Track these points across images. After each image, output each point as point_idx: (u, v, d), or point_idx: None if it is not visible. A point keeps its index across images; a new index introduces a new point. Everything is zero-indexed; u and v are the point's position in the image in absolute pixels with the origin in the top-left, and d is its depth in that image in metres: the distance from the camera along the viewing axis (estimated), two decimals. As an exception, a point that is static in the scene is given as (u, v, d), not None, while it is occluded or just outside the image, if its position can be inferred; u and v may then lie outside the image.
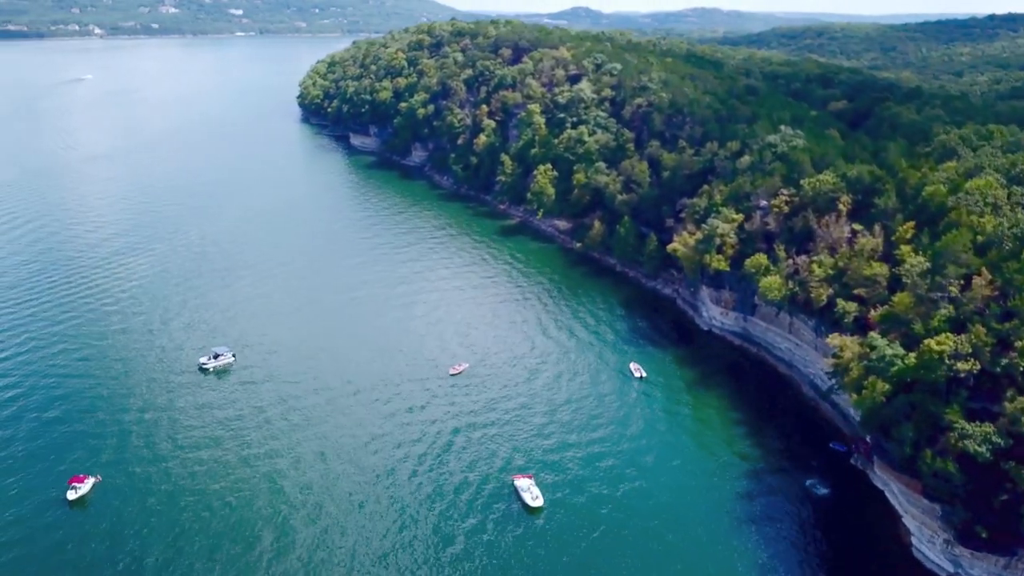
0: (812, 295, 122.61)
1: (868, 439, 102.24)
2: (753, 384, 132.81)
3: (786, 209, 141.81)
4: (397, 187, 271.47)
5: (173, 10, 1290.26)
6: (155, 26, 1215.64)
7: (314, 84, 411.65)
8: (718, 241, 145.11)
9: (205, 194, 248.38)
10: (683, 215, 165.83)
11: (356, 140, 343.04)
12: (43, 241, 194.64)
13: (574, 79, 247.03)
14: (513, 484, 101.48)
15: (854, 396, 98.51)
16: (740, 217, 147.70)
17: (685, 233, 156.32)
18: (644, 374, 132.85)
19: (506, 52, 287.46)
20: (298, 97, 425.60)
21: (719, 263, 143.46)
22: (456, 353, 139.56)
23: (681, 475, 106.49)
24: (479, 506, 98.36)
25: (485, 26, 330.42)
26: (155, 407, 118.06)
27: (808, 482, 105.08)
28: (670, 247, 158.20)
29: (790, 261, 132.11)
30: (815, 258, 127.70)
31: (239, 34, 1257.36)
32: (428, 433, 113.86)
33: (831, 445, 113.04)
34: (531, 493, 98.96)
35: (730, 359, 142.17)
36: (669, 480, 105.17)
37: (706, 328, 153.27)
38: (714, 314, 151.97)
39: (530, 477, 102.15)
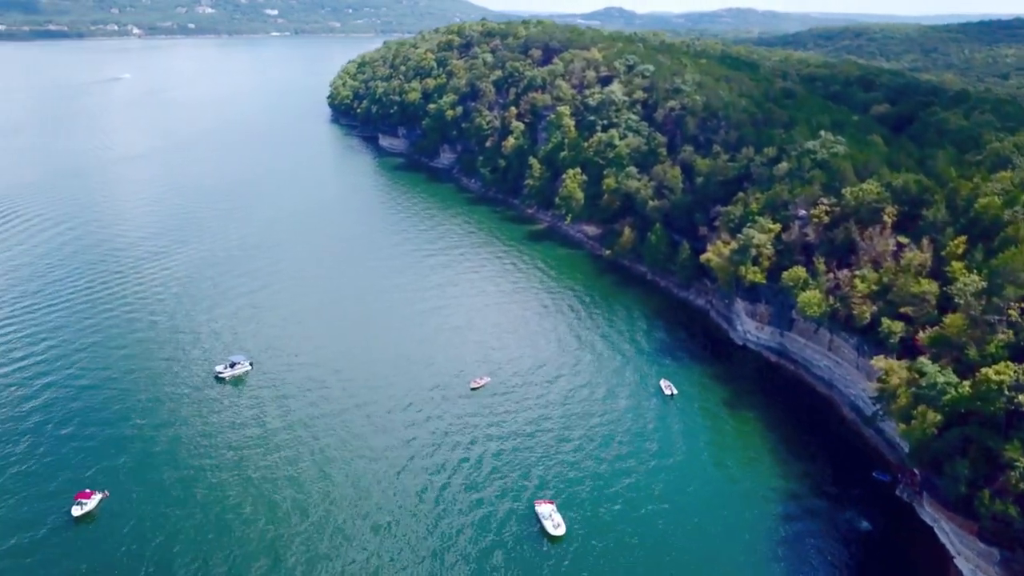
0: (854, 312, 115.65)
1: (916, 471, 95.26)
2: (790, 404, 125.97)
3: (826, 219, 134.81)
4: (424, 190, 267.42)
5: (210, 10, 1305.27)
6: (192, 26, 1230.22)
7: (344, 84, 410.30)
8: (754, 252, 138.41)
9: (234, 196, 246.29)
10: (717, 223, 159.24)
11: (385, 141, 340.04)
12: (71, 244, 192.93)
13: (605, 81, 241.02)
14: (534, 509, 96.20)
15: (902, 426, 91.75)
16: (777, 227, 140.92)
17: (719, 242, 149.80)
18: (675, 391, 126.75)
19: (536, 53, 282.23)
20: (328, 97, 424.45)
21: (755, 275, 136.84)
22: (478, 365, 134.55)
23: (713, 503, 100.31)
24: (497, 533, 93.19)
25: (515, 27, 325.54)
26: (167, 419, 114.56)
27: (848, 514, 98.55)
28: (703, 257, 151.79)
29: (830, 275, 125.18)
30: (857, 272, 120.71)
31: (274, 34, 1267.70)
32: (445, 452, 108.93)
33: (874, 474, 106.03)
34: (553, 520, 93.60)
35: (766, 376, 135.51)
36: (700, 508, 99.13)
37: (740, 342, 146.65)
38: (749, 328, 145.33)
39: (552, 503, 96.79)
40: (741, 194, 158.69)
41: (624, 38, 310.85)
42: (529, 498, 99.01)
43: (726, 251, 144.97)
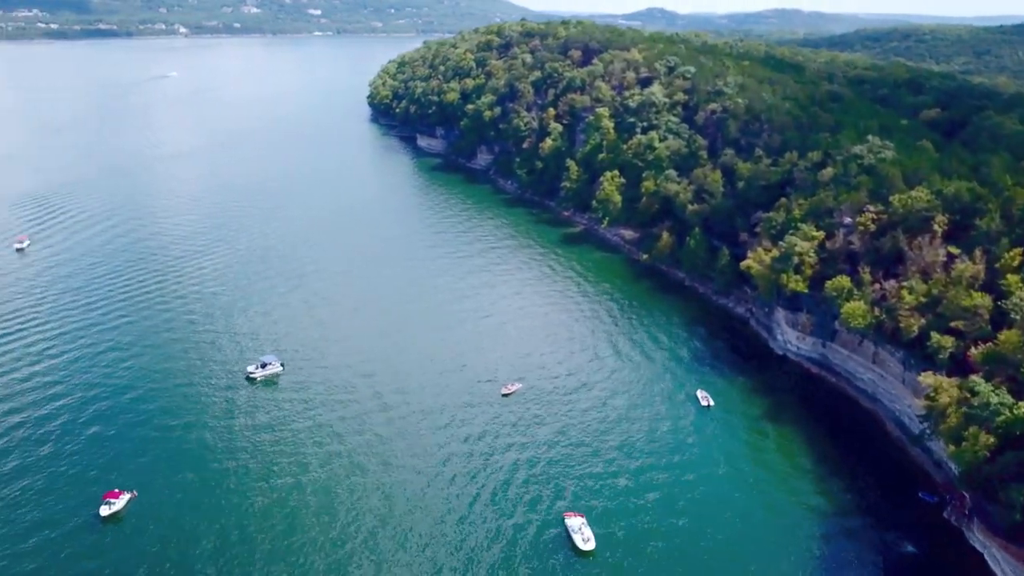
0: (901, 325, 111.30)
1: (966, 494, 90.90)
2: (832, 418, 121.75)
3: (873, 228, 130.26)
4: (461, 191, 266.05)
5: (255, 10, 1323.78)
6: (237, 25, 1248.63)
7: (384, 84, 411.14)
8: (796, 260, 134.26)
9: (273, 195, 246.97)
10: (758, 229, 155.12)
11: (423, 142, 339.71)
12: (113, 242, 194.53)
13: (645, 82, 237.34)
14: (564, 522, 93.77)
15: (951, 447, 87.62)
16: (821, 235, 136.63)
17: (760, 249, 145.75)
18: (711, 403, 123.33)
19: (576, 54, 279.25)
20: (368, 97, 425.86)
21: (797, 284, 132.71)
22: (510, 371, 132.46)
23: (749, 520, 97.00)
24: (525, 545, 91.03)
25: (555, 27, 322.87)
26: (197, 420, 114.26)
27: (892, 535, 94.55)
28: (743, 264, 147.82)
29: (876, 285, 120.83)
30: (905, 283, 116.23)
31: (317, 34, 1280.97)
32: (474, 460, 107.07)
33: (920, 495, 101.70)
34: (582, 534, 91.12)
35: (806, 388, 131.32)
36: (735, 525, 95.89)
37: (780, 352, 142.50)
38: (790, 338, 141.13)
39: (582, 516, 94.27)
40: (783, 200, 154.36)
41: (665, 39, 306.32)
42: (558, 509, 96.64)
43: (767, 258, 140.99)
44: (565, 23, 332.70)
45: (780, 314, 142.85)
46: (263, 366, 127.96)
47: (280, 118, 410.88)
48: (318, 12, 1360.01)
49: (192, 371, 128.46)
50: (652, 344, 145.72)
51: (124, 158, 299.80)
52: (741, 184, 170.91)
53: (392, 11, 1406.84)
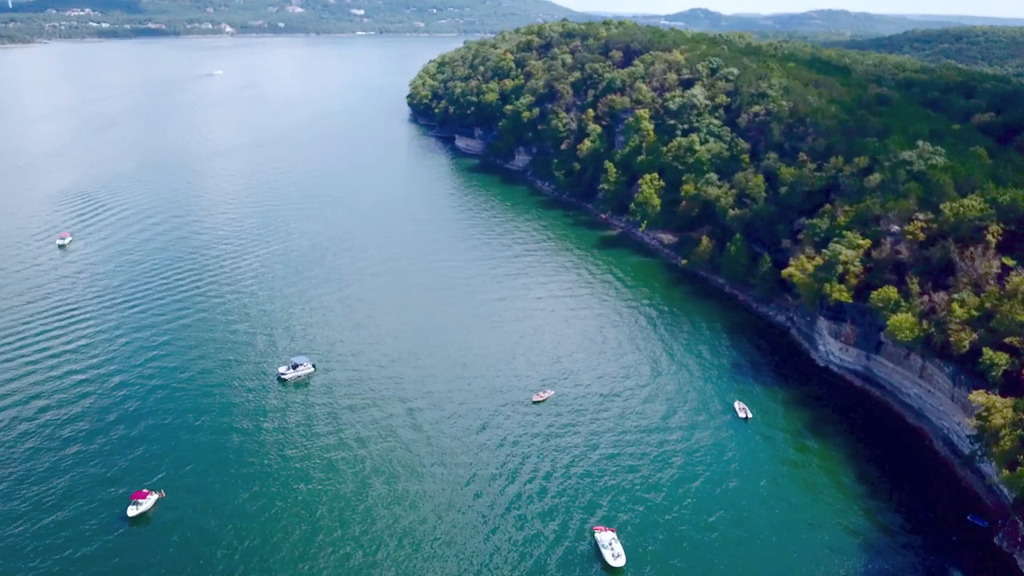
0: (951, 339, 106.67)
1: (1020, 521, 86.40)
2: (875, 434, 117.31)
3: (922, 237, 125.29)
4: (498, 192, 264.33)
5: (299, 10, 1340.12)
6: (281, 25, 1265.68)
7: (423, 84, 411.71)
8: (840, 269, 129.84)
9: (310, 195, 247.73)
10: (801, 236, 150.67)
11: (461, 142, 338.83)
12: (153, 240, 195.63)
13: (687, 84, 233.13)
14: (593, 536, 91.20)
15: (1005, 472, 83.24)
16: (867, 243, 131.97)
17: (803, 256, 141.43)
18: (750, 415, 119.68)
19: (616, 54, 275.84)
20: (407, 97, 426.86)
21: (840, 293, 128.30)
22: (542, 377, 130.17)
23: (787, 540, 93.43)
24: (553, 560, 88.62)
25: (596, 27, 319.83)
26: (228, 421, 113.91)
27: (938, 559, 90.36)
28: (785, 271, 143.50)
29: (925, 297, 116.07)
30: (956, 296, 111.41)
31: (359, 33, 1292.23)
32: (502, 468, 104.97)
33: (969, 518, 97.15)
34: (612, 550, 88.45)
35: (849, 402, 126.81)
36: (772, 543, 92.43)
37: (822, 364, 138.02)
38: (832, 349, 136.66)
39: (612, 530, 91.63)
40: (828, 206, 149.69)
41: (708, 40, 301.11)
42: (588, 523, 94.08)
43: (810, 266, 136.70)
44: (606, 23, 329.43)
45: (822, 324, 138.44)
46: (294, 367, 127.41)
47: (320, 117, 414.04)
48: (361, 12, 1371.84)
49: (225, 371, 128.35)
50: (689, 352, 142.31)
51: (167, 155, 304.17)
52: (784, 189, 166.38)
53: (434, 11, 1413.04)
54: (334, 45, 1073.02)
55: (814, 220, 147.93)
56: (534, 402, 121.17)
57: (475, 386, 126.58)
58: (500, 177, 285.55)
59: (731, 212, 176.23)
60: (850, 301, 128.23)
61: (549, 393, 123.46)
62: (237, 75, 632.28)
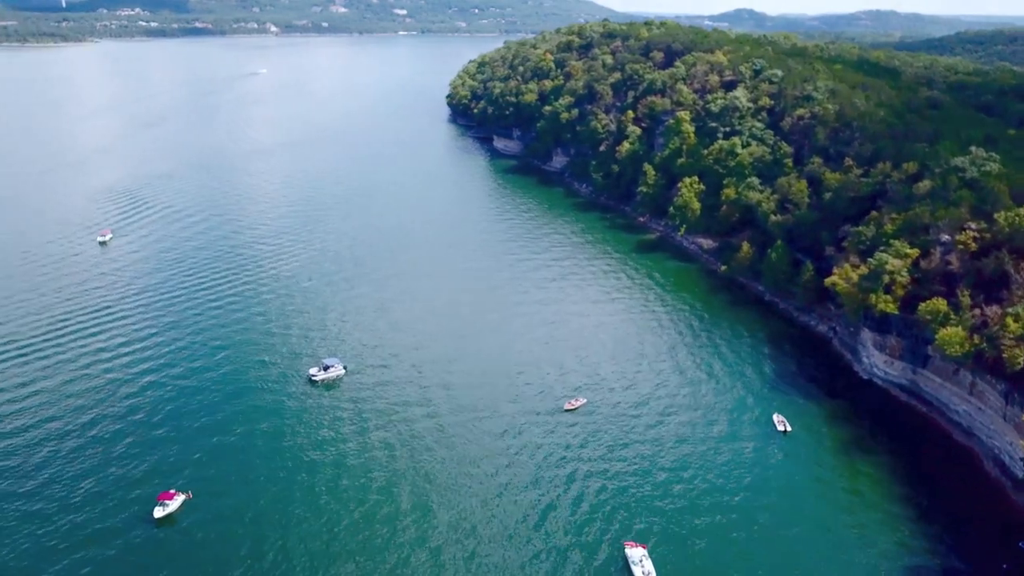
0: (1004, 355, 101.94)
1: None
2: (921, 451, 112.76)
3: (974, 247, 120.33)
4: (534, 194, 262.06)
5: (343, 10, 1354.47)
6: (325, 24, 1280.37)
7: (463, 84, 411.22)
8: (887, 279, 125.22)
9: (349, 196, 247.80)
10: (845, 244, 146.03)
11: (499, 143, 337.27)
12: (193, 239, 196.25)
13: (729, 85, 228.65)
14: (624, 552, 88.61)
15: (1061, 499, 78.85)
16: (915, 252, 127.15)
17: (847, 265, 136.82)
18: (789, 428, 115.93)
19: (658, 55, 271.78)
20: (447, 97, 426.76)
21: (886, 305, 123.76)
22: (575, 384, 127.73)
23: (827, 561, 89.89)
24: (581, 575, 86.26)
25: (638, 28, 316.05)
26: (257, 421, 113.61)
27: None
28: (828, 280, 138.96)
29: (977, 311, 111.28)
30: (1010, 310, 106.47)
31: (402, 33, 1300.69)
32: (531, 478, 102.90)
33: (1021, 544, 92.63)
34: (643, 567, 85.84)
35: (893, 417, 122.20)
36: (811, 567, 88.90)
37: (866, 377, 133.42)
38: (876, 361, 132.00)
39: (644, 547, 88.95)
40: (874, 213, 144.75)
41: (752, 41, 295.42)
42: (619, 537, 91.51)
43: (855, 275, 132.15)
44: (648, 24, 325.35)
45: (866, 335, 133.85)
46: (325, 368, 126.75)
47: (361, 117, 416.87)
48: (404, 12, 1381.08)
49: (256, 372, 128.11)
50: (727, 362, 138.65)
51: (209, 153, 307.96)
52: (828, 195, 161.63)
53: (476, 11, 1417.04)
54: (376, 45, 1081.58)
55: (859, 228, 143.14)
56: (566, 410, 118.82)
57: (507, 392, 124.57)
58: (537, 178, 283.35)
59: (773, 218, 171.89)
60: (896, 313, 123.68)
61: (582, 401, 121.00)
62: (281, 74, 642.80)
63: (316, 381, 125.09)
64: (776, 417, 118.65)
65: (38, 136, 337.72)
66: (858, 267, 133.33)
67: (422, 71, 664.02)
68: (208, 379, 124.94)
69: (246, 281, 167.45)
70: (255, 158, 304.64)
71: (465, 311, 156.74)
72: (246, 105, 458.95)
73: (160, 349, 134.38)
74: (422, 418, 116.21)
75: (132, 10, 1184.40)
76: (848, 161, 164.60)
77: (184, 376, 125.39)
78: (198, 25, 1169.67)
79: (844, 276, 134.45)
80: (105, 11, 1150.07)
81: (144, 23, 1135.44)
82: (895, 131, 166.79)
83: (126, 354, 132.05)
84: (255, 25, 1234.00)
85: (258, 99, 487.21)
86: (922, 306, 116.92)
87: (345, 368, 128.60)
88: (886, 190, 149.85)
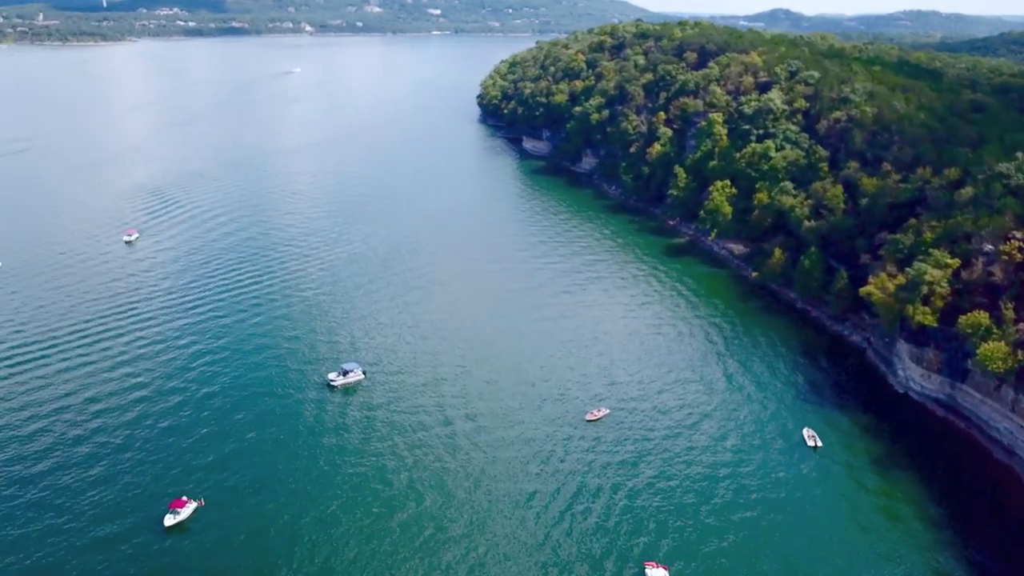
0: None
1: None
2: (959, 470, 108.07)
3: (1018, 258, 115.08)
4: (563, 195, 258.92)
5: (377, 9, 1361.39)
6: (359, 24, 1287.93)
7: (494, 84, 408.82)
8: (925, 289, 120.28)
9: (377, 196, 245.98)
10: (882, 252, 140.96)
11: (528, 144, 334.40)
12: (218, 240, 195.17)
13: (764, 87, 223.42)
14: (644, 573, 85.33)
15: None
16: (956, 262, 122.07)
17: (883, 274, 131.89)
18: (819, 444, 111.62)
19: (691, 56, 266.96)
20: (477, 97, 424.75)
21: (924, 317, 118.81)
22: (599, 393, 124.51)
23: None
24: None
25: (671, 28, 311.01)
26: (272, 427, 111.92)
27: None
28: (864, 290, 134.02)
29: (1021, 325, 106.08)
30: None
31: (435, 33, 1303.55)
32: (550, 493, 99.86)
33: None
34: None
35: (930, 434, 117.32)
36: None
37: (901, 390, 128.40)
38: (912, 375, 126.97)
39: (665, 568, 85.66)
40: (913, 220, 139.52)
41: (788, 42, 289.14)
42: (641, 558, 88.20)
43: (891, 285, 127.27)
44: (682, 24, 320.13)
45: (902, 347, 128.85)
46: (344, 373, 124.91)
47: (392, 117, 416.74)
48: (437, 12, 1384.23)
49: (275, 377, 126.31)
50: (756, 372, 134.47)
51: (239, 152, 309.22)
52: (865, 201, 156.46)
53: (510, 11, 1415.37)
54: (410, 44, 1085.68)
55: (897, 235, 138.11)
56: (588, 421, 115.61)
57: (528, 401, 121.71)
58: (566, 180, 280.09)
59: (806, 223, 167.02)
60: (935, 325, 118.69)
61: (604, 412, 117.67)
62: (315, 73, 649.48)
63: (335, 386, 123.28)
64: (807, 432, 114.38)
65: (72, 133, 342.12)
66: (895, 276, 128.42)
67: (454, 71, 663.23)
68: (224, 383, 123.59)
69: (270, 283, 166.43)
70: (285, 157, 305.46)
71: (488, 316, 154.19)
72: (279, 104, 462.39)
73: (179, 353, 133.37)
74: (439, 427, 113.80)
75: (170, 10, 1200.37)
76: (886, 166, 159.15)
77: (200, 381, 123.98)
78: (235, 25, 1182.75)
79: (880, 285, 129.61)
80: (144, 11, 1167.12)
81: (182, 23, 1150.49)
82: (936, 135, 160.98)
83: (144, 357, 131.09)
84: (290, 24, 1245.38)
85: (291, 98, 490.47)
86: (962, 319, 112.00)
87: (364, 373, 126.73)
88: (926, 197, 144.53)
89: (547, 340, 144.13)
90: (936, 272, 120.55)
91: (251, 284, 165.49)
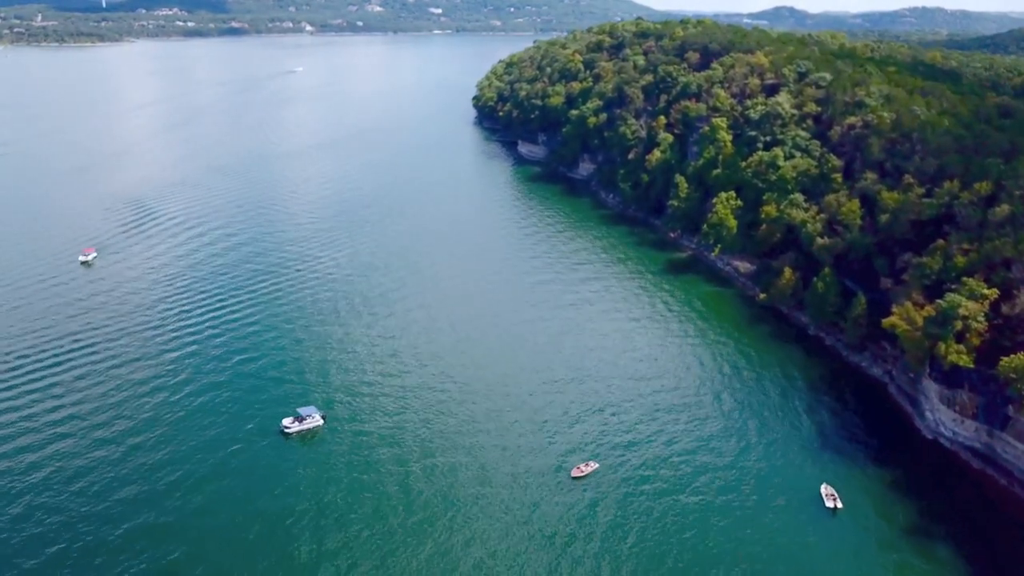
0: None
1: None
2: (1000, 534, 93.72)
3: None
4: (559, 204, 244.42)
5: (378, 8, 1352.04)
6: (360, 23, 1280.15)
7: (489, 85, 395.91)
8: (959, 325, 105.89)
9: (360, 206, 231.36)
10: (906, 277, 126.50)
11: (523, 148, 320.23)
12: (185, 259, 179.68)
13: (771, 90, 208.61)
14: None
15: None
16: (993, 293, 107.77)
17: (909, 304, 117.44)
18: (839, 504, 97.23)
19: (693, 56, 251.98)
20: (473, 99, 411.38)
21: (959, 357, 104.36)
22: (587, 441, 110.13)
23: None
24: None
25: (673, 27, 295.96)
26: (198, 493, 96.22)
27: None
28: (887, 322, 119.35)
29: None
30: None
31: (437, 32, 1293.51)
32: (531, 566, 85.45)
33: None
34: None
35: (965, 489, 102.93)
36: None
37: (930, 436, 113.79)
38: (943, 418, 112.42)
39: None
40: (941, 242, 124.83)
41: (796, 41, 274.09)
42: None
43: (919, 317, 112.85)
44: (684, 22, 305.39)
45: (931, 386, 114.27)
46: (300, 419, 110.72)
47: (385, 119, 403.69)
48: (439, 11, 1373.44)
49: (222, 423, 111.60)
50: (766, 412, 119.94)
51: (231, 157, 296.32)
52: (885, 217, 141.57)
53: (511, 9, 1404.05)
54: (411, 44, 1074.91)
55: (924, 259, 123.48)
56: (574, 478, 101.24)
57: (509, 454, 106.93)
58: (562, 187, 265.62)
59: (819, 240, 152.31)
60: (971, 367, 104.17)
61: (592, 466, 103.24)
62: (314, 73, 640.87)
63: (289, 434, 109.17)
64: (824, 490, 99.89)
65: (56, 138, 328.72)
66: (923, 307, 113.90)
67: (454, 70, 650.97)
68: (165, 430, 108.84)
69: (236, 311, 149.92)
70: (273, 162, 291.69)
71: (470, 345, 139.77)
72: (273, 106, 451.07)
73: (117, 395, 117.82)
74: (398, 486, 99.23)
75: (170, 10, 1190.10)
76: (908, 178, 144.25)
77: (132, 432, 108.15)
78: (234, 25, 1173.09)
79: (905, 316, 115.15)
80: (144, 11, 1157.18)
81: (181, 23, 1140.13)
82: (963, 144, 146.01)
83: (80, 398, 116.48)
84: (290, 24, 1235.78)
85: (288, 99, 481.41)
86: (1004, 361, 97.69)
87: (324, 418, 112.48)
88: (954, 214, 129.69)
89: (533, 372, 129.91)
90: (971, 305, 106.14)
91: (212, 309, 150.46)
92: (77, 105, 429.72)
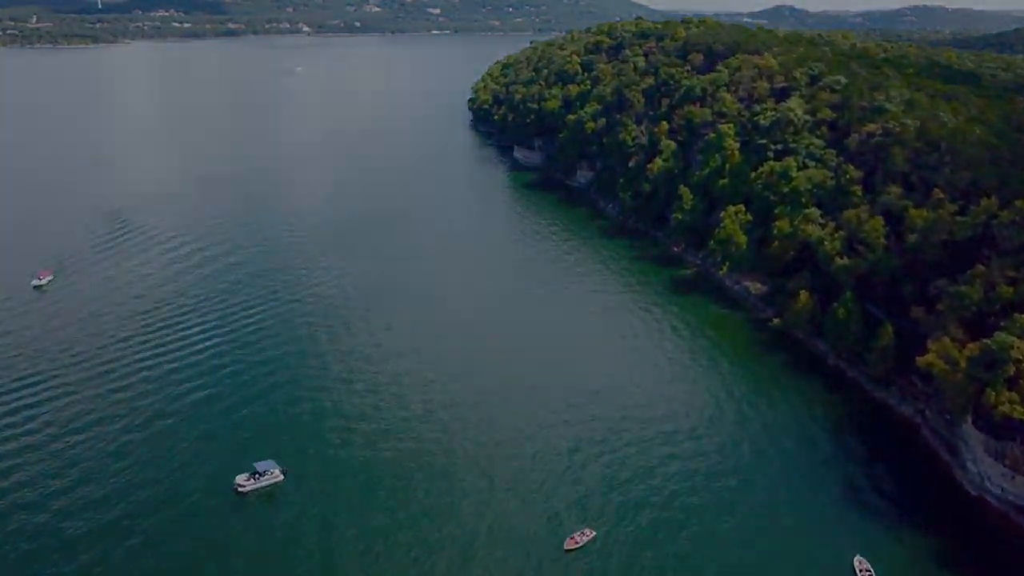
0: None
1: None
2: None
3: None
4: (555, 214, 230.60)
5: (376, 9, 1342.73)
6: (358, 24, 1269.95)
7: (485, 87, 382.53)
8: (1012, 370, 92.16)
9: (349, 220, 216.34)
10: (941, 306, 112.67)
11: (519, 153, 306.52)
12: (144, 280, 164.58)
13: (781, 94, 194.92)
14: None
15: None
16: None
17: (947, 339, 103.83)
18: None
19: (696, 58, 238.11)
20: (468, 101, 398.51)
21: (1012, 408, 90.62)
22: (581, 503, 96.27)
23: None
24: None
25: (674, 27, 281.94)
26: (136, 568, 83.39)
27: None
28: (923, 360, 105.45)
29: None
30: None
31: (435, 32, 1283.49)
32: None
33: None
34: None
35: (1020, 556, 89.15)
36: None
37: (974, 492, 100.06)
38: (989, 471, 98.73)
39: None
40: (981, 267, 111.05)
41: (806, 41, 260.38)
42: None
43: (960, 357, 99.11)
44: (686, 22, 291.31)
45: (975, 434, 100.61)
46: (256, 476, 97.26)
47: (379, 124, 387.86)
48: (437, 11, 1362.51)
49: (168, 480, 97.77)
50: (783, 465, 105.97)
51: (218, 166, 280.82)
52: (913, 236, 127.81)
53: (510, 9, 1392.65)
54: (409, 44, 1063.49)
55: (961, 287, 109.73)
56: (566, 551, 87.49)
57: (489, 519, 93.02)
58: (559, 196, 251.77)
59: (838, 260, 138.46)
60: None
61: (588, 535, 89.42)
62: (317, 73, 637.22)
63: (244, 492, 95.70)
64: (857, 563, 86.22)
65: (33, 147, 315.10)
66: (964, 344, 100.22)
67: (451, 71, 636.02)
68: (100, 487, 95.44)
69: (198, 346, 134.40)
70: (260, 171, 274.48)
71: (454, 382, 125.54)
72: (275, 108, 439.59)
73: (51, 449, 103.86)
74: (370, 562, 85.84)
75: (167, 11, 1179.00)
76: (937, 193, 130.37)
77: (61, 491, 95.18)
78: (231, 26, 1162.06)
79: (944, 354, 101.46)
80: (140, 12, 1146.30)
81: (179, 24, 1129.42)
82: (998, 154, 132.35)
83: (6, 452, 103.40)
84: (287, 25, 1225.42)
85: (287, 102, 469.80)
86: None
87: (283, 473, 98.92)
88: (993, 235, 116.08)
89: (522, 421, 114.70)
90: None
91: (176, 345, 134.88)
92: (62, 109, 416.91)
